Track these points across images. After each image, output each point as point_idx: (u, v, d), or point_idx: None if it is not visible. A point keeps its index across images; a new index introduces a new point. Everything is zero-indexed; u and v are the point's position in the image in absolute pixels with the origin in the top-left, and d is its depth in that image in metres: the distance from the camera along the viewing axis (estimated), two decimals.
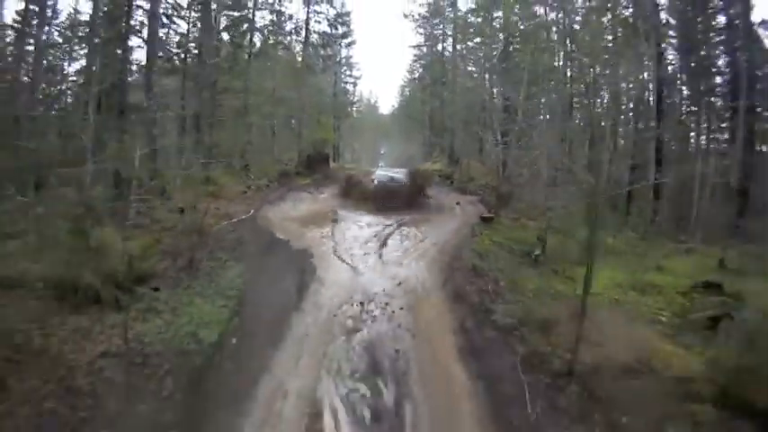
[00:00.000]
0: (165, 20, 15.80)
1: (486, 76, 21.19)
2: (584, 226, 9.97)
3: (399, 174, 15.79)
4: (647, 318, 6.19)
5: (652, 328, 5.87)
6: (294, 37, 22.63)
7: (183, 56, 16.84)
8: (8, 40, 13.59)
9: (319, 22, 23.81)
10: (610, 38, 17.05)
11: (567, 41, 18.27)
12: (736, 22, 13.53)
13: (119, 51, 13.61)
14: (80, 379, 4.23)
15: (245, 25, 19.68)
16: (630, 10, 16.31)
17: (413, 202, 12.53)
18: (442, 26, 25.65)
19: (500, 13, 20.72)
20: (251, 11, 19.86)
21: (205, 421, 3.67)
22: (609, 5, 16.81)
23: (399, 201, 12.53)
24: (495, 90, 19.65)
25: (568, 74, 18.01)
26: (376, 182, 14.23)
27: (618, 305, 6.56)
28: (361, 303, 5.81)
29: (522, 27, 19.60)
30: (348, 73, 28.73)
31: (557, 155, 11.80)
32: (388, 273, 7.18)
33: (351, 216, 10.93)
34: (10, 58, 13.01)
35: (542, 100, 19.26)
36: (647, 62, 15.51)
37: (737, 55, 13.44)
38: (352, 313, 5.51)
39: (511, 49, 19.35)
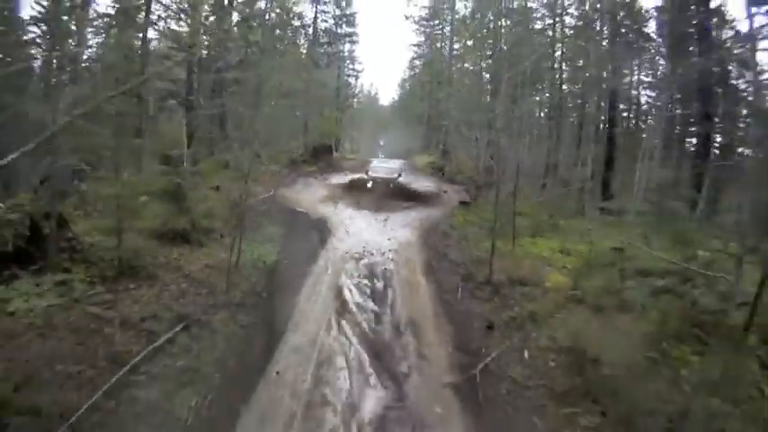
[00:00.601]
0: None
1: (485, 75, 24.56)
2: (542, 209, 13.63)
3: (395, 166, 19.21)
4: (559, 265, 9.73)
5: (558, 270, 9.41)
6: (302, 32, 26.10)
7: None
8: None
9: (326, 21, 27.37)
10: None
11: (559, 45, 21.77)
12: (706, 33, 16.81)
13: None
14: (197, 275, 7.72)
15: (256, 21, 23.09)
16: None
17: (406, 192, 15.98)
18: (441, 27, 29.11)
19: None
20: (265, 10, 23.29)
21: (279, 293, 7.21)
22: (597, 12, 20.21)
23: (394, 192, 15.92)
24: (489, 87, 23.10)
25: (557, 76, 21.52)
26: (371, 173, 17.51)
27: (542, 259, 10.11)
28: (364, 247, 9.40)
29: (513, 31, 23.03)
30: (351, 66, 32.17)
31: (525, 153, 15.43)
32: (382, 233, 10.77)
33: (353, 197, 14.48)
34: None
35: (536, 99, 22.79)
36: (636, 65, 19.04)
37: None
38: (359, 251, 9.11)
39: (504, 46, 22.80)
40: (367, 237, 10.42)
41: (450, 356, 5.70)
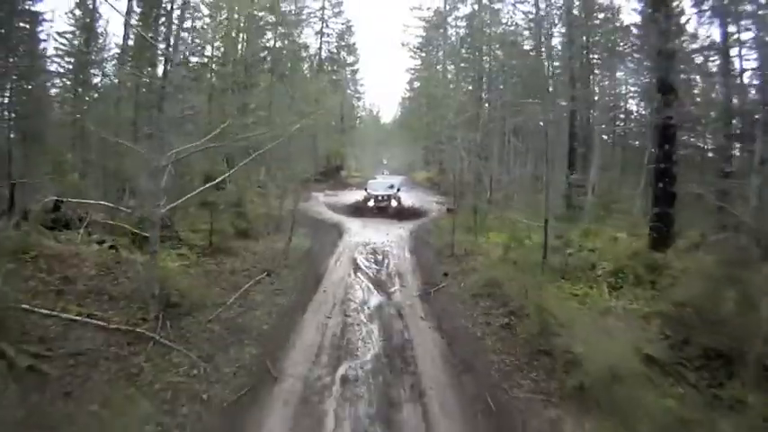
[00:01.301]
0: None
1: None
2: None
3: (395, 182, 24.48)
4: (506, 246, 15.24)
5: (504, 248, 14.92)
6: (309, 62, 32.34)
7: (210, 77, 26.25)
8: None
9: (330, 52, 33.70)
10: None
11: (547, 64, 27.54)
12: None
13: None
14: (263, 253, 13.39)
15: (266, 53, 29.27)
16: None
17: (403, 204, 21.50)
18: (435, 52, 35.21)
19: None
20: (274, 46, 29.45)
21: (317, 261, 12.90)
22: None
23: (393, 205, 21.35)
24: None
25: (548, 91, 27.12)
26: (370, 191, 22.18)
27: (495, 244, 15.62)
28: (369, 239, 15.11)
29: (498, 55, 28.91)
30: (353, 88, 38.34)
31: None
32: (383, 232, 16.46)
33: (359, 209, 20.23)
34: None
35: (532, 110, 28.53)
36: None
37: None
38: (366, 241, 14.89)
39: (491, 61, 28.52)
40: (371, 234, 16.17)
41: (419, 287, 11.32)
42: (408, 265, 12.90)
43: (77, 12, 23.58)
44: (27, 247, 10.00)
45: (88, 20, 23.16)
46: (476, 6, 30.05)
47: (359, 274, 12.01)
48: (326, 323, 9.11)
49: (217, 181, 11.03)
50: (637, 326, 8.93)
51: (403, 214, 20.17)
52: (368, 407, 6.39)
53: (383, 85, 70.08)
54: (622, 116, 26.04)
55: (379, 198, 21.74)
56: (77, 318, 8.45)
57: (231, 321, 8.98)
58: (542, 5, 27.23)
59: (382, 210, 20.84)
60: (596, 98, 26.18)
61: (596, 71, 25.25)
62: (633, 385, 6.79)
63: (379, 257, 13.39)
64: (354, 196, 22.69)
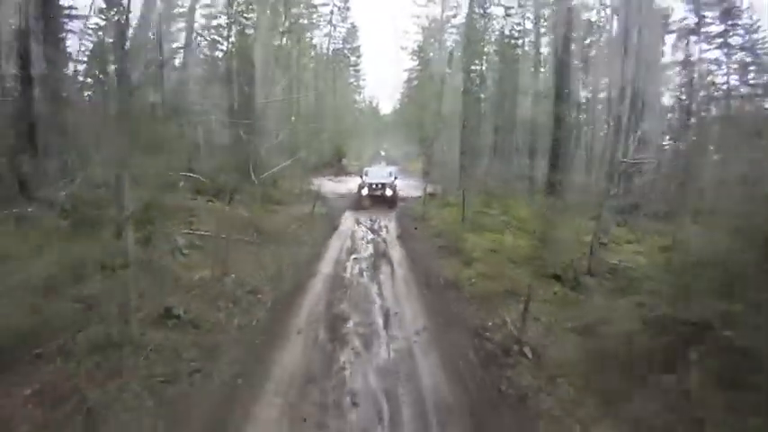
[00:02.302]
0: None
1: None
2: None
3: (392, 170, 35.33)
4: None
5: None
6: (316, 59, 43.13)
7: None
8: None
9: (336, 52, 44.67)
10: None
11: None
12: None
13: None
14: (295, 214, 24.55)
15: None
16: None
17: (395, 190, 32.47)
18: (431, 54, 46.09)
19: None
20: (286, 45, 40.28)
21: (333, 218, 24.29)
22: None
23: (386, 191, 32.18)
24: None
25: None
26: (366, 179, 31.79)
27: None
28: (367, 214, 26.37)
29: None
30: (355, 84, 49.30)
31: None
32: (377, 210, 27.72)
33: (359, 191, 31.38)
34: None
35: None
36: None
37: None
38: (364, 213, 26.12)
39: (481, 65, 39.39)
40: (369, 210, 27.32)
41: (398, 233, 22.48)
42: (393, 223, 24.16)
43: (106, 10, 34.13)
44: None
45: (114, 12, 33.39)
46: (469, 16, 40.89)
47: (360, 225, 23.36)
48: (343, 243, 20.31)
49: (288, 162, 22.12)
50: (515, 248, 20.01)
51: (396, 200, 30.69)
52: (365, 265, 17.61)
53: (383, 75, 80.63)
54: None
55: (374, 186, 29.98)
56: (207, 233, 19.38)
57: (292, 238, 20.15)
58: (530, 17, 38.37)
59: (376, 198, 29.39)
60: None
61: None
62: (494, 265, 17.80)
63: (374, 218, 24.72)
64: (354, 182, 33.58)
